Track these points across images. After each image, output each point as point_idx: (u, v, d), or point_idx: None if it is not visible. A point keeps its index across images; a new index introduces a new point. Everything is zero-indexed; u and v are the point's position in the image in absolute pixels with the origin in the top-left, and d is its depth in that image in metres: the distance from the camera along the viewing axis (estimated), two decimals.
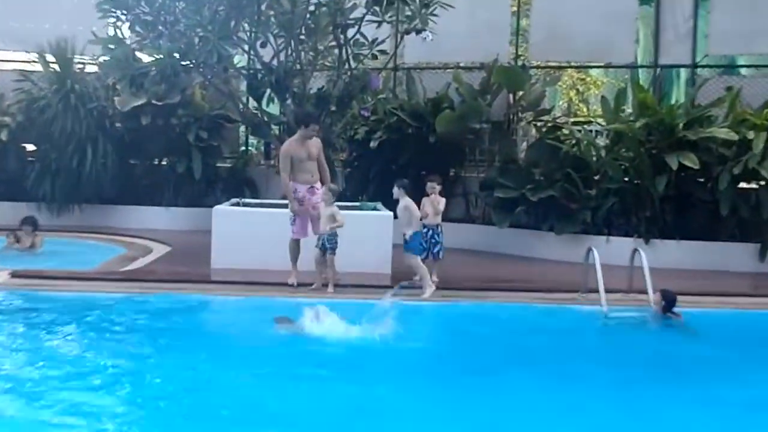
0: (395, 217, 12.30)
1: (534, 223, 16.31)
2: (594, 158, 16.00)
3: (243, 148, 21.17)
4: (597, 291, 11.41)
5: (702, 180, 15.29)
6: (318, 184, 12.23)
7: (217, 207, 13.96)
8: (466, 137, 17.40)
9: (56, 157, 18.53)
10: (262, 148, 21.23)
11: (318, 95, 15.98)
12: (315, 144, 12.12)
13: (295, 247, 12.30)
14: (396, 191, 11.81)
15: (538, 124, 17.70)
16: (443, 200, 12.77)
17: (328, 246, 11.77)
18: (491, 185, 16.61)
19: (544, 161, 16.39)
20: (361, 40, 15.58)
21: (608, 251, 14.18)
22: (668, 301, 11.24)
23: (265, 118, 16.68)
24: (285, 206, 12.49)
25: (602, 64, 21.41)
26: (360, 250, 12.69)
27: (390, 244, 12.87)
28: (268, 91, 16.20)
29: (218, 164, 19.70)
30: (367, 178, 17.89)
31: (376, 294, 10.57)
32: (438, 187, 12.63)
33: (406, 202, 11.82)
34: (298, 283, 11.96)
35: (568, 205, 15.69)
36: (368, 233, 12.84)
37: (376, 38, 15.62)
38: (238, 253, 13.20)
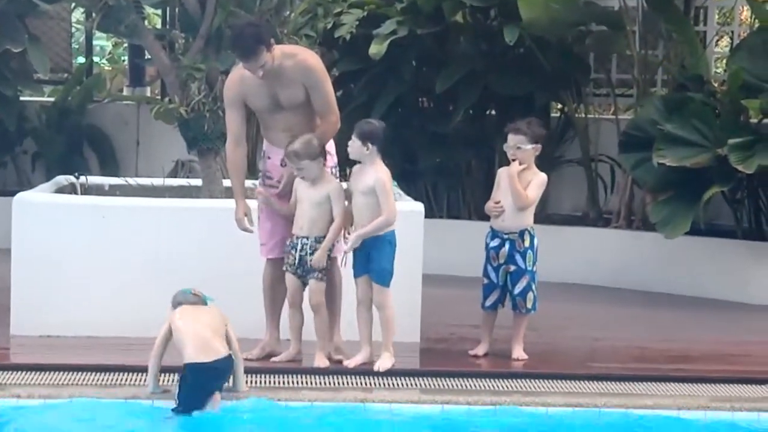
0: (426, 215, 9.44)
1: (749, 224, 12.25)
2: None
3: (79, 60, 16.41)
4: None
5: None
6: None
7: (22, 195, 9.67)
8: (589, 30, 12.82)
9: None
10: (124, 60, 16.86)
11: None
12: (287, 77, 8.37)
13: (272, 279, 8.79)
14: (356, 146, 8.22)
15: None
16: (541, 176, 8.89)
17: (309, 267, 8.56)
18: (645, 139, 11.97)
19: None
20: None
21: None
22: None
23: None
24: (191, 191, 10.03)
25: None
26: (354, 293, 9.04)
27: (420, 276, 9.15)
28: None
29: (24, 97, 14.40)
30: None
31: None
32: (530, 147, 8.67)
33: (378, 173, 8.38)
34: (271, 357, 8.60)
35: None
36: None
37: None
38: (69, 301, 9.25)
